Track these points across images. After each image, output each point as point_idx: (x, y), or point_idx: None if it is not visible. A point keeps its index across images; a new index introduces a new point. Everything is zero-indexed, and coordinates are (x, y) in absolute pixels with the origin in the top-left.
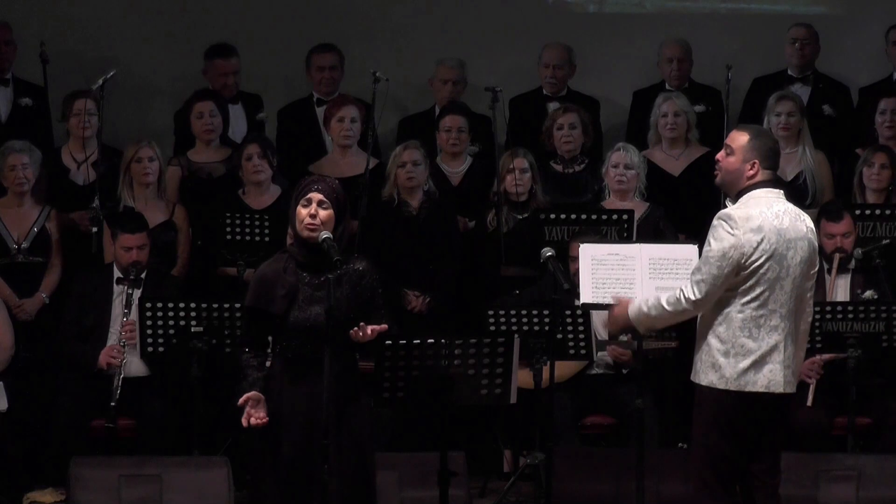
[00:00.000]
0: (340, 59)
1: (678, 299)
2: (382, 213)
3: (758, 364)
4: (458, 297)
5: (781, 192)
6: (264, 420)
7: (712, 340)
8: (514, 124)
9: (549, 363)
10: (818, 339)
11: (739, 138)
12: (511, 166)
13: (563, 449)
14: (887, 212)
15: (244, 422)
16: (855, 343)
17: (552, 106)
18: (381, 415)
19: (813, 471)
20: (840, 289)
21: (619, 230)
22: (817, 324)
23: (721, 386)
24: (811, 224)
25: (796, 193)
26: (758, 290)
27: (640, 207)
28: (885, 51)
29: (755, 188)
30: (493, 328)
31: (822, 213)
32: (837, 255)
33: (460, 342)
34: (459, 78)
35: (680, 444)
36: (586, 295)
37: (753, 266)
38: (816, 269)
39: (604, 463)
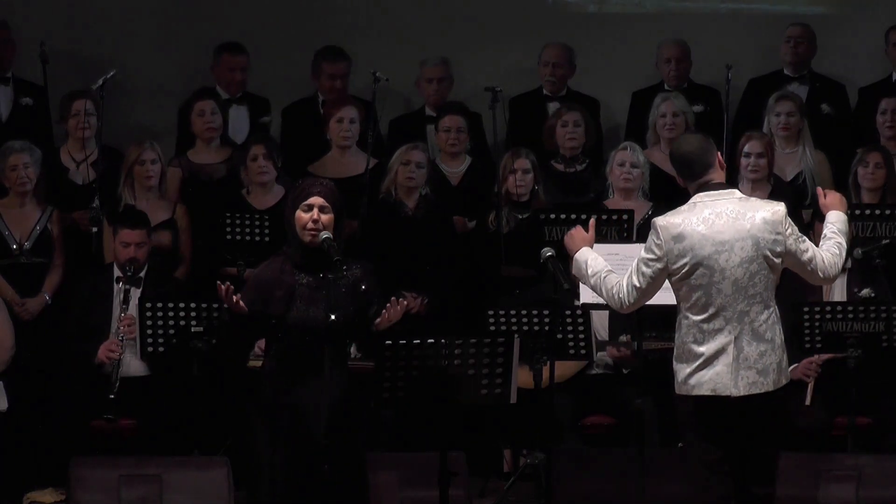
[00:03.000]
0: (349, 66)
1: (614, 297)
2: (380, 213)
3: (703, 367)
4: (458, 297)
5: (725, 191)
6: (242, 306)
7: (674, 346)
8: (513, 124)
9: (549, 363)
10: (818, 339)
11: None
12: (513, 167)
13: (563, 449)
14: (887, 212)
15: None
16: (855, 343)
17: (552, 106)
18: (381, 415)
19: (813, 471)
20: (837, 288)
21: (619, 230)
22: (817, 324)
23: (676, 391)
24: (766, 215)
25: (796, 193)
26: (694, 297)
27: (643, 207)
28: (885, 51)
29: (696, 192)
30: (493, 328)
31: (815, 216)
32: None
33: (460, 342)
34: (444, 76)
35: (680, 444)
36: (586, 295)
37: (681, 273)
38: (775, 262)
39: (604, 463)
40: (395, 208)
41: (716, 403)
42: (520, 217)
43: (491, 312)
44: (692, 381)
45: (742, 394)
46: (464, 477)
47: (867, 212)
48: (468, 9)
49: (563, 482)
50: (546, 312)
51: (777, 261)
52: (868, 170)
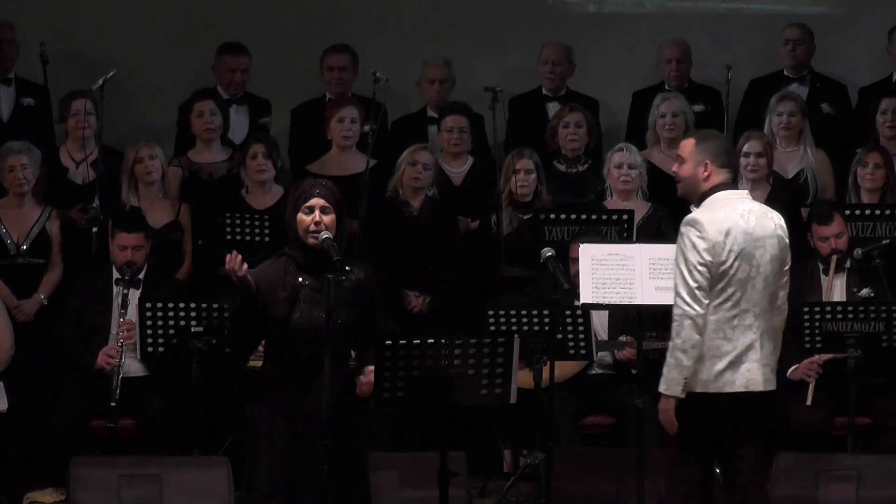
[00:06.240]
0: (353, 60)
1: (682, 329)
2: (383, 213)
3: (734, 364)
4: (458, 297)
5: (745, 192)
6: (251, 282)
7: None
8: (513, 124)
9: (549, 363)
10: (818, 339)
11: (686, 145)
12: (516, 167)
13: (563, 449)
14: (887, 212)
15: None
16: (855, 343)
17: (552, 106)
18: (381, 415)
19: (813, 471)
20: (836, 288)
21: (619, 230)
22: (817, 324)
23: (699, 389)
24: (780, 221)
25: (797, 192)
26: (729, 291)
27: (642, 207)
28: (886, 50)
29: (716, 190)
30: (493, 328)
31: (811, 217)
32: (835, 257)
33: (460, 342)
34: (446, 77)
35: None
36: (586, 295)
37: (723, 268)
38: (788, 266)
39: (604, 463)
40: (400, 208)
41: (745, 400)
42: (523, 217)
43: (491, 312)
44: (723, 379)
45: (767, 389)
46: (464, 477)
47: (867, 212)
48: (468, 9)
49: (563, 482)
50: (546, 312)
51: (786, 268)
52: (867, 170)
